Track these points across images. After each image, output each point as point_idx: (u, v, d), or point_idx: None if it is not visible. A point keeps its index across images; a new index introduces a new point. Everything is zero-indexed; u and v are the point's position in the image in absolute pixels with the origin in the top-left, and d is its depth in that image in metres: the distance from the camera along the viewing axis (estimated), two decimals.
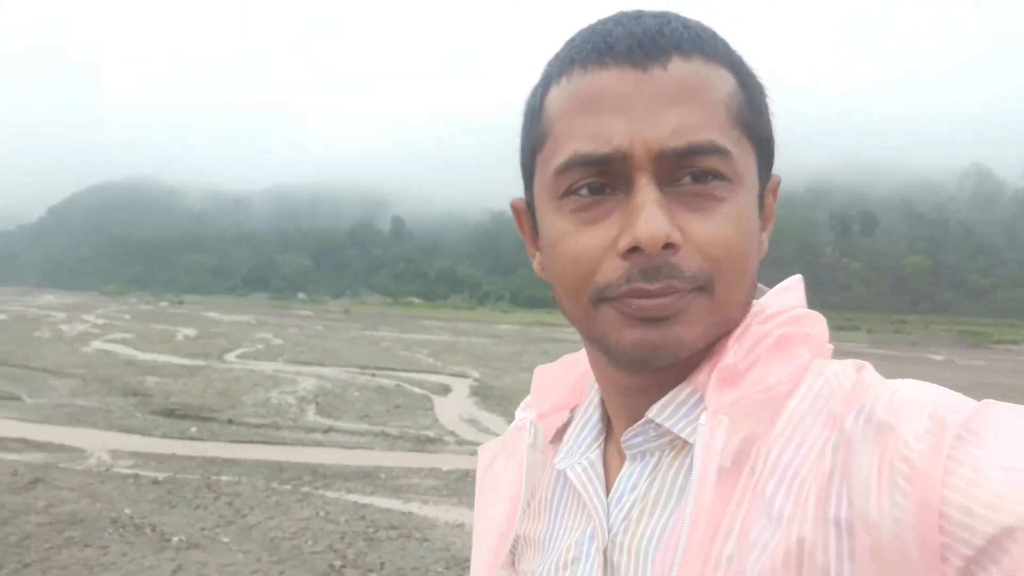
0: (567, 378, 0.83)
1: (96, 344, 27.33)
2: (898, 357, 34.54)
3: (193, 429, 12.02)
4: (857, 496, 0.52)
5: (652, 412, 0.65)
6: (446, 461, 10.34)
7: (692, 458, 0.61)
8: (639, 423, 0.67)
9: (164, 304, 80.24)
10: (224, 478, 9.00)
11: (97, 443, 10.92)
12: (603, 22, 0.65)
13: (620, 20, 0.64)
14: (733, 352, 0.62)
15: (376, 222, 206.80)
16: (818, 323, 0.67)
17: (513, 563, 0.79)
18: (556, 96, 0.65)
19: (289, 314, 66.95)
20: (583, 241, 0.62)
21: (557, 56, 0.67)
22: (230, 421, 12.67)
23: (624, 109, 0.60)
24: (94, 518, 7.40)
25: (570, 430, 0.78)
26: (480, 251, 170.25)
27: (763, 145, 0.66)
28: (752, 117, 0.64)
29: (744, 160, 0.63)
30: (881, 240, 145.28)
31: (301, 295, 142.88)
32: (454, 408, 14.98)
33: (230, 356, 24.31)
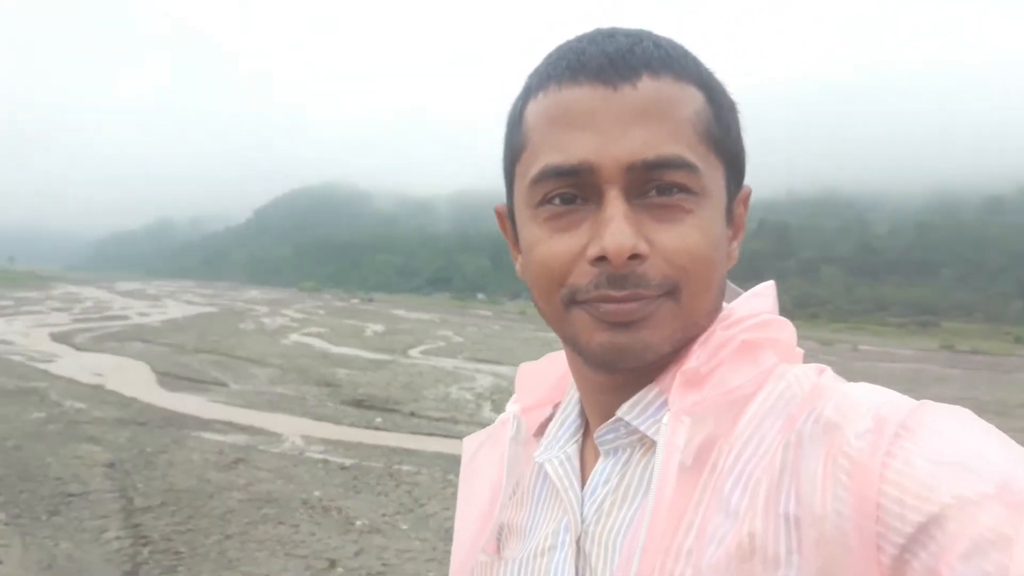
0: (551, 374, 0.86)
1: (294, 337, 29.32)
2: None
3: (378, 419, 12.66)
4: (804, 492, 0.55)
5: (621, 411, 0.69)
6: None
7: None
8: (610, 421, 0.70)
9: (355, 301, 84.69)
10: (405, 467, 9.41)
11: (292, 428, 11.74)
12: (579, 39, 0.68)
13: (595, 38, 0.67)
14: (696, 356, 0.65)
15: None
16: (786, 328, 0.70)
17: (498, 549, 0.81)
18: (533, 110, 0.68)
19: (469, 313, 68.96)
20: (555, 247, 0.65)
21: (536, 70, 0.70)
22: (412, 413, 13.24)
23: (593, 125, 0.63)
24: (287, 498, 7.95)
25: (551, 425, 0.81)
26: None
27: (732, 159, 0.69)
28: (720, 133, 0.67)
29: (711, 175, 0.65)
30: None
31: (480, 295, 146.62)
32: None
33: (414, 352, 25.33)
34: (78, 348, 22.26)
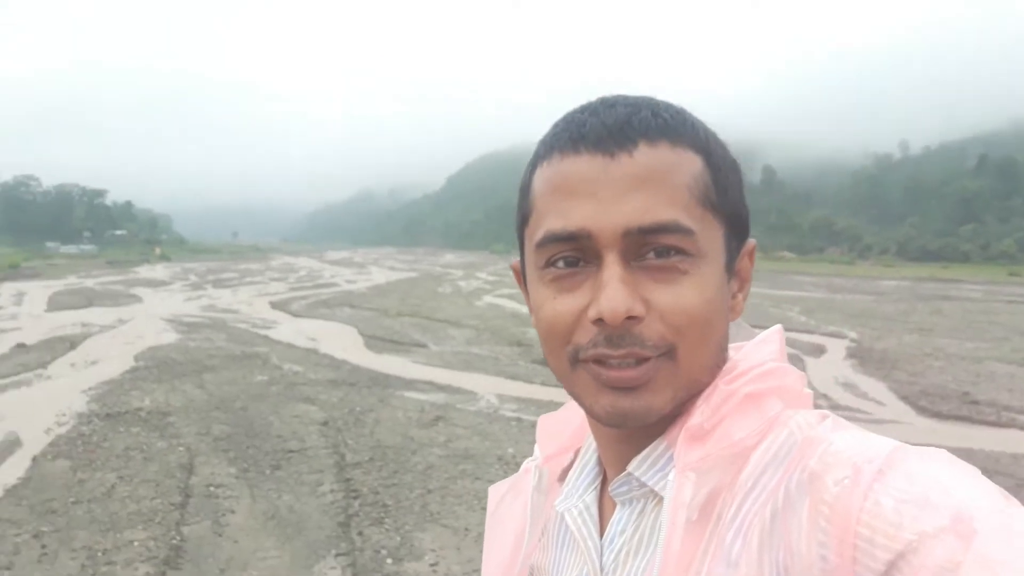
0: (572, 421, 0.89)
1: (487, 299, 30.31)
2: None
3: None
4: (792, 541, 0.58)
5: (632, 467, 0.72)
6: None
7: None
8: (621, 476, 0.73)
9: None
10: None
11: (487, 387, 12.22)
12: (581, 110, 0.72)
13: (596, 109, 0.70)
14: (700, 412, 0.67)
15: (745, 172, 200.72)
16: (791, 375, 0.71)
17: None
18: (539, 177, 0.72)
19: None
20: (559, 307, 0.68)
21: (543, 140, 0.73)
22: None
23: (592, 192, 0.66)
24: (483, 454, 8.33)
25: (571, 472, 0.84)
26: (861, 200, 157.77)
27: (732, 218, 0.71)
28: (718, 195, 0.69)
29: (709, 236, 0.68)
30: None
31: None
32: (829, 370, 14.24)
33: None
34: (294, 315, 24.17)
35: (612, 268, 0.65)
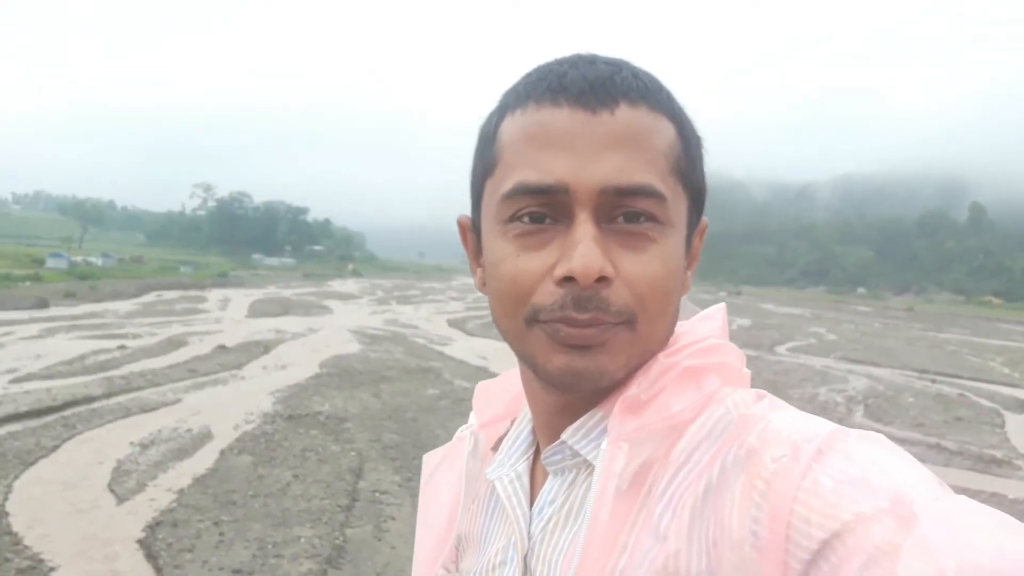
0: (509, 390, 0.86)
1: None
2: None
3: None
4: (724, 516, 0.56)
5: (565, 435, 0.70)
6: (1013, 488, 9.04)
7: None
8: (555, 444, 0.71)
9: (723, 294, 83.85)
10: None
11: None
12: (560, 62, 0.69)
13: (576, 63, 0.67)
14: (637, 383, 0.65)
15: (951, 210, 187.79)
16: (731, 353, 0.70)
17: (457, 560, 0.82)
18: (509, 127, 0.68)
19: (846, 309, 64.68)
20: (523, 265, 0.65)
21: (514, 88, 0.70)
22: None
23: (570, 146, 0.63)
24: None
25: (505, 441, 0.81)
26: None
27: (695, 193, 0.70)
28: (687, 166, 0.68)
29: (676, 206, 0.67)
30: None
31: (861, 289, 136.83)
32: None
33: (780, 348, 24.48)
34: (468, 333, 24.89)
35: (586, 226, 0.63)
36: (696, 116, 0.71)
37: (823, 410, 13.27)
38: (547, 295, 0.64)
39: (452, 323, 28.46)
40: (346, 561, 5.99)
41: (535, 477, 0.77)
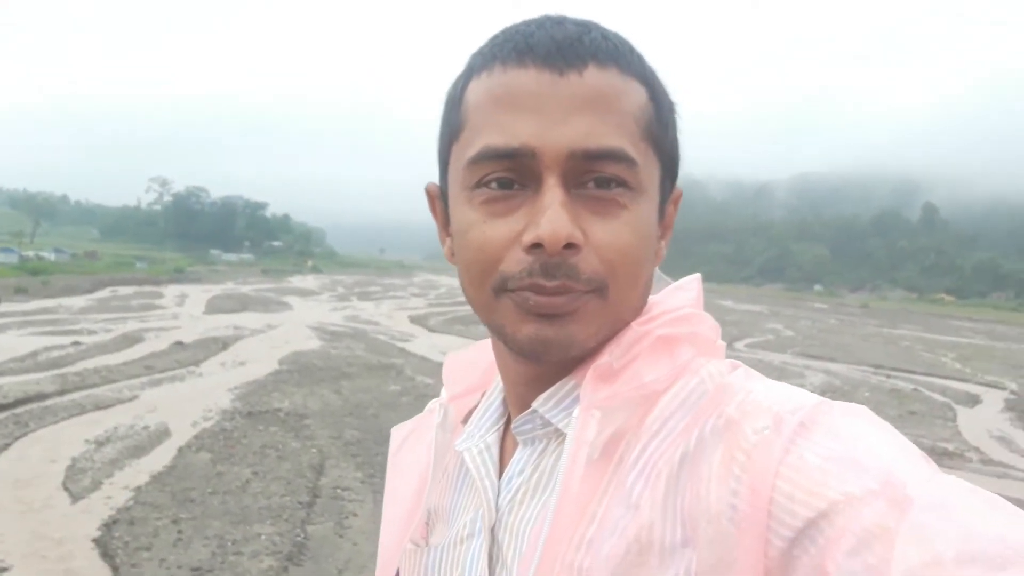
0: (480, 363, 0.85)
1: None
2: None
3: None
4: (701, 487, 0.55)
5: (537, 403, 0.68)
6: (965, 480, 9.24)
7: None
8: (526, 412, 0.70)
9: None
10: None
11: None
12: (527, 23, 0.67)
13: (543, 23, 0.66)
14: (609, 352, 0.64)
15: (904, 210, 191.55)
16: (705, 322, 0.69)
17: (427, 534, 0.80)
18: (475, 89, 0.66)
19: (803, 306, 65.69)
20: (489, 232, 0.63)
21: (480, 51, 0.68)
22: None
23: (537, 109, 0.62)
24: None
25: (475, 413, 0.80)
26: None
27: (668, 159, 0.68)
28: (659, 131, 0.66)
29: (648, 171, 0.65)
30: None
31: (817, 287, 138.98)
32: (982, 422, 13.27)
33: (739, 344, 24.76)
34: (431, 329, 24.80)
35: (554, 191, 0.61)
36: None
37: None
38: (515, 263, 0.62)
39: (414, 319, 28.33)
40: (307, 558, 5.94)
41: (505, 448, 0.76)
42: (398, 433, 0.90)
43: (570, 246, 0.61)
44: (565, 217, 0.60)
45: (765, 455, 0.53)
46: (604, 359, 0.64)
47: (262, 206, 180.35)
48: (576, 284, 0.62)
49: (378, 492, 7.49)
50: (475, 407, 0.82)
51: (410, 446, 0.86)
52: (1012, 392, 16.90)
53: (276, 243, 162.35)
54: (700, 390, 0.62)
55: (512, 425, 0.73)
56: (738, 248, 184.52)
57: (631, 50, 0.67)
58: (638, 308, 0.68)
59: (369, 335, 21.94)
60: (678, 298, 0.71)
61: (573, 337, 0.63)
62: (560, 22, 0.66)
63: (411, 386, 13.44)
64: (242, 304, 31.92)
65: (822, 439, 0.53)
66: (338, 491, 7.54)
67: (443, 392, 0.88)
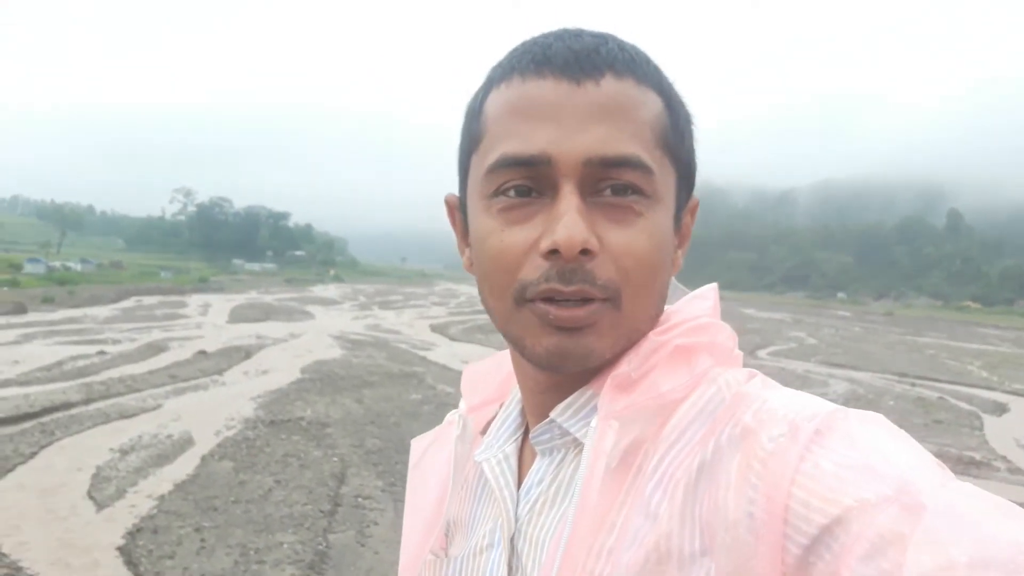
0: (497, 373, 0.85)
1: None
2: None
3: None
4: (719, 496, 0.55)
5: (555, 413, 0.69)
6: (991, 489, 9.06)
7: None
8: (544, 422, 0.70)
9: None
10: None
11: None
12: (545, 35, 0.68)
13: (561, 35, 0.67)
14: (627, 361, 0.65)
15: (929, 216, 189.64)
16: (723, 332, 0.69)
17: (447, 545, 0.80)
18: (494, 100, 0.67)
19: (826, 314, 65.15)
20: (508, 239, 0.64)
21: (499, 63, 0.69)
22: None
23: (555, 118, 0.63)
24: None
25: (493, 423, 0.81)
26: None
27: (684, 168, 0.69)
28: (675, 140, 0.67)
29: (664, 180, 0.65)
30: None
31: (841, 295, 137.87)
32: (1010, 430, 13.07)
33: (762, 353, 24.59)
34: (451, 338, 24.83)
35: (570, 199, 0.62)
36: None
37: None
38: (533, 269, 0.63)
39: (435, 328, 28.39)
40: (329, 567, 5.95)
41: (523, 458, 0.76)
42: (418, 445, 0.90)
43: (586, 252, 0.61)
44: (581, 223, 0.61)
45: (781, 463, 0.53)
46: (622, 369, 0.65)
47: (285, 216, 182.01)
48: (592, 290, 0.62)
49: (399, 501, 7.50)
50: (493, 418, 0.83)
51: (430, 458, 0.87)
52: None
53: (299, 252, 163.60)
54: (717, 399, 0.62)
55: (531, 435, 0.73)
56: (760, 256, 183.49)
57: (647, 61, 0.68)
58: (654, 317, 0.68)
59: (390, 344, 22.00)
60: (696, 307, 0.71)
61: (591, 349, 0.64)
62: (578, 34, 0.67)
63: (432, 395, 13.45)
64: (265, 313, 32.14)
65: (837, 446, 0.53)
66: (359, 500, 7.55)
67: (461, 403, 0.89)
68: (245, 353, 18.01)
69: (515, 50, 0.69)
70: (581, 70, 0.64)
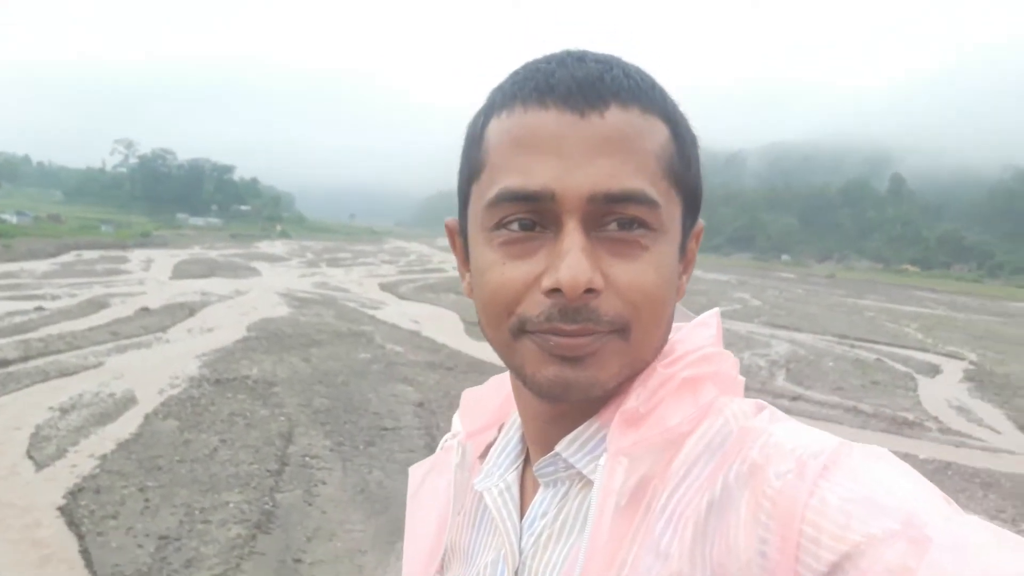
0: (495, 398, 0.85)
1: None
2: None
3: None
4: (730, 536, 0.55)
5: (560, 447, 0.68)
6: (924, 448, 9.47)
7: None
8: (549, 455, 0.70)
9: None
10: None
11: None
12: (548, 60, 0.67)
13: (564, 61, 0.65)
14: (635, 395, 0.64)
15: (873, 180, 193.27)
16: (727, 360, 0.69)
17: (442, 569, 0.80)
18: (496, 128, 0.66)
19: (771, 276, 66.40)
20: (508, 274, 0.63)
21: (500, 88, 0.68)
22: None
23: (558, 151, 0.61)
24: None
25: (493, 449, 0.80)
26: (996, 214, 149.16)
27: (690, 196, 0.68)
28: (682, 169, 0.66)
29: (670, 211, 0.65)
30: None
31: (785, 257, 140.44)
32: (942, 392, 13.55)
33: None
34: (401, 297, 24.71)
35: (574, 236, 0.61)
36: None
37: (746, 373, 13.55)
38: (534, 305, 0.62)
39: (384, 287, 28.21)
40: (276, 526, 5.94)
41: (525, 487, 0.75)
42: (416, 472, 0.89)
43: (590, 291, 0.61)
44: (585, 263, 0.60)
45: (790, 500, 0.53)
46: (631, 403, 0.64)
47: (230, 169, 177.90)
48: (598, 327, 0.62)
49: (347, 460, 7.52)
50: (492, 442, 0.82)
51: (429, 485, 0.86)
52: (971, 363, 17.24)
53: (244, 207, 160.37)
54: (724, 431, 0.62)
55: (534, 467, 0.72)
56: (708, 217, 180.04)
57: (652, 86, 0.67)
58: (659, 348, 0.68)
59: (339, 302, 21.82)
60: (699, 336, 0.71)
61: (595, 379, 0.63)
62: (581, 58, 0.66)
63: (381, 354, 13.41)
64: (210, 269, 31.56)
65: (843, 480, 0.53)
66: (307, 459, 7.53)
67: (455, 424, 0.89)
68: (189, 310, 17.68)
69: (516, 74, 0.68)
70: (585, 100, 0.62)
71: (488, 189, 0.65)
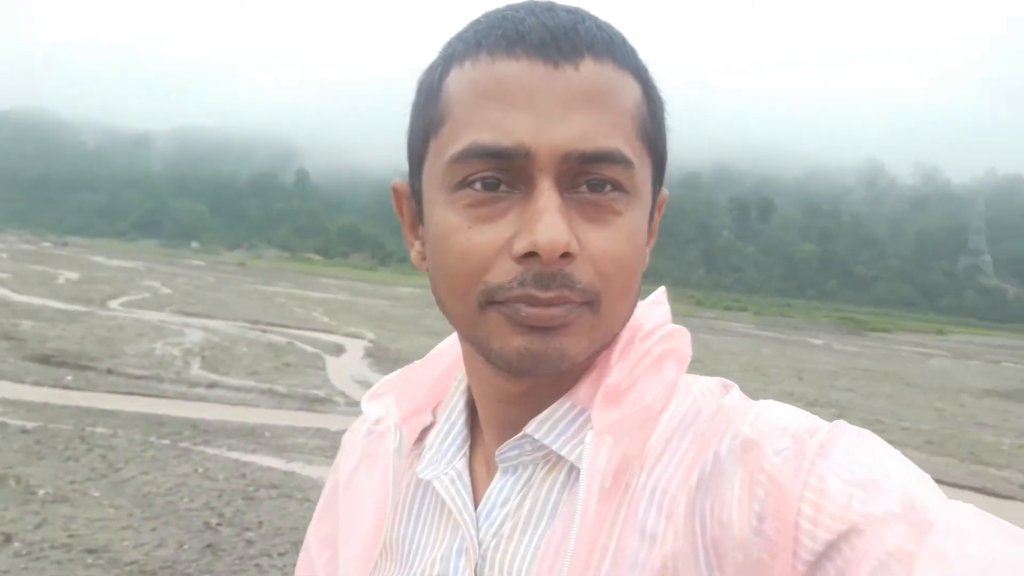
0: (427, 378, 0.80)
1: None
2: (781, 339, 36.13)
3: (69, 378, 11.47)
4: (724, 512, 0.54)
5: (530, 427, 0.64)
6: (334, 422, 10.23)
7: (564, 474, 0.63)
8: (516, 437, 0.65)
9: (46, 245, 76.36)
10: (99, 430, 8.62)
11: None
12: (514, 8, 0.62)
13: (533, 9, 0.61)
14: (618, 370, 0.63)
15: (280, 173, 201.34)
16: (684, 338, 0.69)
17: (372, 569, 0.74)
18: (458, 79, 0.61)
19: (180, 263, 64.69)
20: (475, 239, 0.59)
21: (461, 37, 0.64)
22: (109, 371, 12.14)
23: (531, 104, 0.58)
24: None
25: (432, 435, 0.75)
26: (385, 210, 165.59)
27: (659, 160, 0.66)
28: (654, 130, 0.64)
29: (643, 174, 0.62)
30: (776, 226, 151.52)
31: (195, 244, 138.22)
32: (347, 368, 14.80)
33: (114, 303, 23.32)
34: None
35: (549, 195, 0.57)
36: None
37: (160, 363, 13.12)
38: (504, 272, 0.58)
39: None
40: None
41: (474, 475, 0.70)
42: (349, 447, 0.79)
43: (566, 255, 0.57)
44: (562, 224, 0.56)
45: (789, 478, 0.52)
46: (613, 379, 0.61)
47: None
48: (572, 294, 0.58)
49: None
50: (428, 427, 0.76)
51: (362, 474, 0.75)
52: (370, 341, 19.09)
53: None
54: (695, 409, 0.61)
55: (496, 452, 0.67)
56: (112, 200, 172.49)
57: (624, 42, 0.63)
58: (626, 320, 0.64)
59: None
60: (658, 313, 0.69)
61: (564, 351, 0.59)
62: (551, 8, 0.61)
63: None
64: None
65: (842, 460, 0.53)
66: None
67: (368, 408, 0.79)
68: None
69: (478, 23, 0.62)
70: (558, 51, 0.57)
71: (451, 144, 0.59)
